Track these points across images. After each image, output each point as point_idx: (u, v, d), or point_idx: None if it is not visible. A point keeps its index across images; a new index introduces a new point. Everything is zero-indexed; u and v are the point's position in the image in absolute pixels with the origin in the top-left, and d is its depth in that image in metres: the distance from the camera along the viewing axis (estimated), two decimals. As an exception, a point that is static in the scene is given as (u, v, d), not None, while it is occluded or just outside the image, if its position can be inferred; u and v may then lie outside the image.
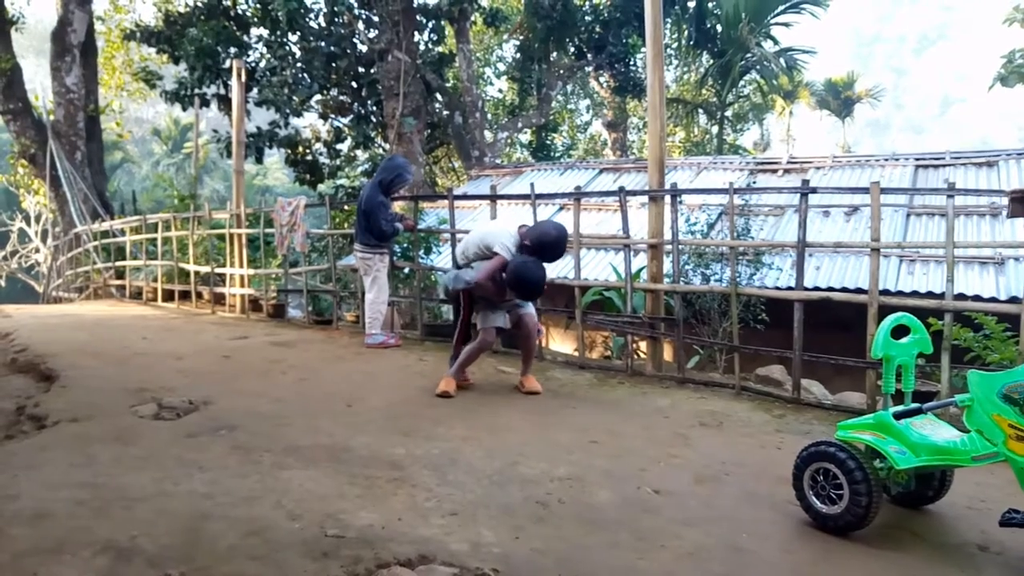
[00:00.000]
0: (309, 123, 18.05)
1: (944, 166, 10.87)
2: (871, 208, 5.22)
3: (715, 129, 21.08)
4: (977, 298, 7.69)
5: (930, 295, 7.71)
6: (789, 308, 5.51)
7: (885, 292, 6.79)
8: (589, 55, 18.08)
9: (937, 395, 4.87)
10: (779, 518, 3.18)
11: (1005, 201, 4.53)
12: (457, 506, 3.06)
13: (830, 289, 8.15)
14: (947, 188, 4.96)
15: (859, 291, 7.37)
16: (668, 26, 18.46)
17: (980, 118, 78.14)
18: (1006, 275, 8.36)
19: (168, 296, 11.27)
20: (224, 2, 15.19)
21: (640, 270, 7.17)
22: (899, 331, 3.15)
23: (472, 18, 16.97)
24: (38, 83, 16.72)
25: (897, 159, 11.54)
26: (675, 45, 20.35)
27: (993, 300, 7.61)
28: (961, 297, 7.20)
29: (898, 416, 3.01)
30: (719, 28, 18.57)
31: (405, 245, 8.31)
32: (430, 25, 16.15)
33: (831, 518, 2.99)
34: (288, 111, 14.94)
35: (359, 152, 17.22)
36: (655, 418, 4.85)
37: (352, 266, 8.63)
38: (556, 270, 10.40)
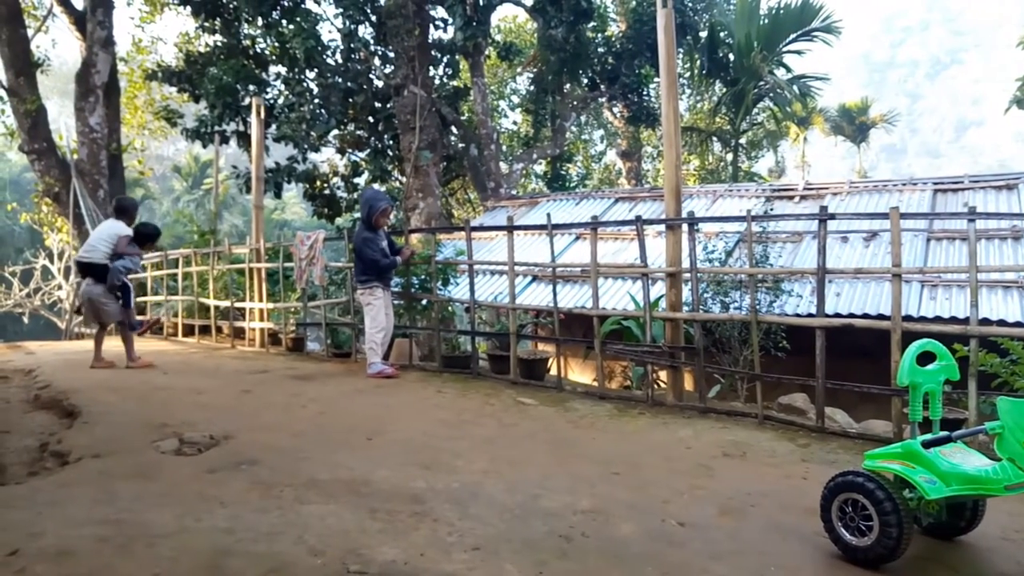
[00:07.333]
0: (327, 158, 18.31)
1: (963, 190, 10.79)
2: (891, 233, 5.18)
3: (730, 157, 21.13)
4: (1002, 323, 7.58)
5: (953, 320, 7.62)
6: (810, 335, 5.46)
7: (908, 318, 6.72)
8: (603, 86, 18.24)
9: (965, 422, 4.78)
10: (807, 550, 3.11)
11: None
12: (479, 540, 3.03)
13: (852, 316, 8.08)
14: (968, 212, 4.92)
15: (881, 317, 7.29)
16: (681, 56, 18.63)
17: (997, 141, 77.75)
18: (1031, 299, 8.23)
19: (188, 331, 11.36)
20: (243, 42, 15.53)
21: (659, 299, 7.14)
22: (924, 358, 3.11)
23: (486, 52, 17.22)
24: (62, 123, 17.03)
25: (915, 184, 11.47)
26: (688, 74, 20.52)
27: (1018, 325, 7.51)
28: (985, 322, 7.11)
29: (927, 445, 2.96)
30: (731, 57, 18.72)
31: (423, 277, 8.36)
32: (445, 60, 16.40)
33: (861, 550, 2.92)
34: (306, 146, 15.18)
35: (376, 186, 17.42)
36: (677, 449, 4.79)
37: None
38: (575, 300, 10.46)
